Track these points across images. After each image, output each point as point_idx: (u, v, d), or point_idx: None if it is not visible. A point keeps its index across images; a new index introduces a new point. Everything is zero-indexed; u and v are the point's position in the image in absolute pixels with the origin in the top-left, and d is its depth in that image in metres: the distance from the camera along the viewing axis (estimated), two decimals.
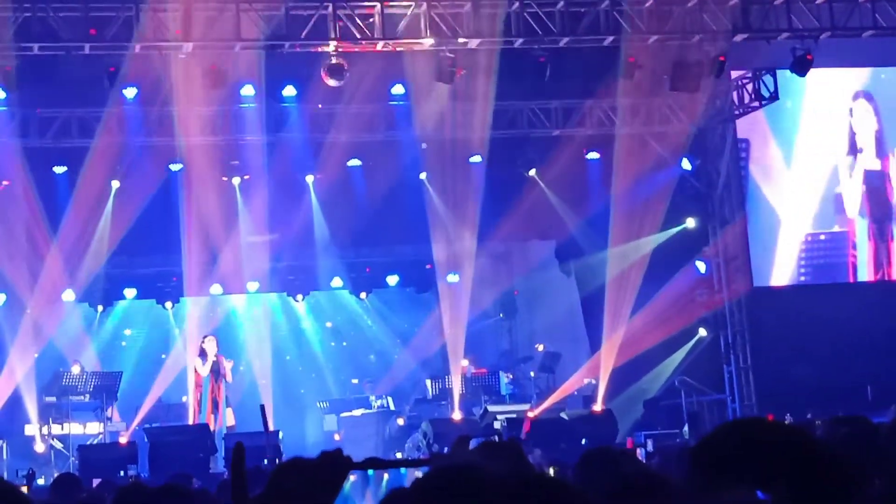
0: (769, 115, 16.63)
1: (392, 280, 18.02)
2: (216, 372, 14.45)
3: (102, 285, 16.54)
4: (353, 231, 16.48)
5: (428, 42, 13.69)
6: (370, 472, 1.40)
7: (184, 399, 15.49)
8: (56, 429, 14.68)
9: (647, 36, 14.03)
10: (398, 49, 14.02)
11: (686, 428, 14.32)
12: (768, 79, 15.68)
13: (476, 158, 16.40)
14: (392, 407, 16.71)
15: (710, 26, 14.08)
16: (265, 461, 10.53)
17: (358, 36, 13.52)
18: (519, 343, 18.34)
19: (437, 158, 16.20)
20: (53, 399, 14.89)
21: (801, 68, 14.64)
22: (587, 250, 16.50)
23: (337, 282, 17.85)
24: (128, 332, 18.74)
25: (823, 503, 1.15)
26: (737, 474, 1.68)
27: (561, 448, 12.25)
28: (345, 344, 19.70)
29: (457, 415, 15.16)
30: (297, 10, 13.31)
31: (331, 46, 13.51)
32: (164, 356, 17.48)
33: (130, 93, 14.71)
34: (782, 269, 16.89)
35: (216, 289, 17.19)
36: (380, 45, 13.72)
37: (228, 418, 14.50)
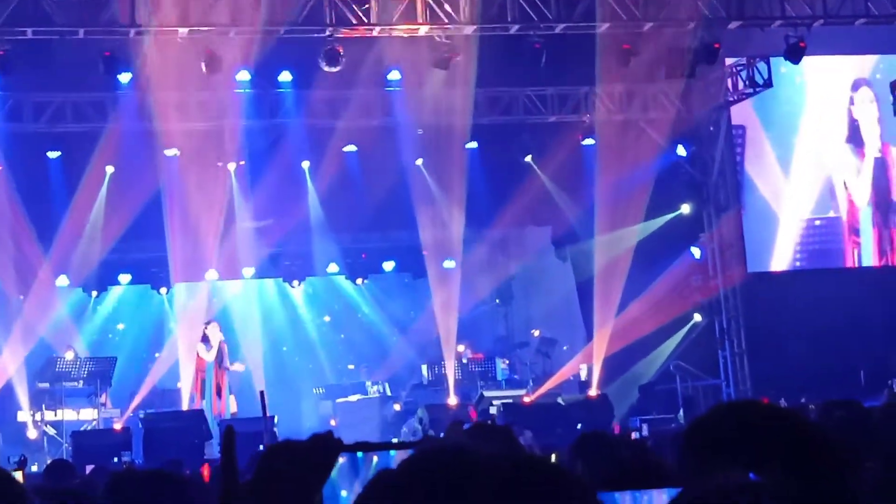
0: (762, 102, 16.64)
1: (388, 266, 18.03)
2: (220, 358, 14.43)
3: (96, 270, 16.47)
4: (350, 217, 16.47)
5: (424, 28, 13.66)
6: (359, 455, 1.41)
7: (178, 385, 15.47)
8: (49, 415, 14.65)
9: (642, 23, 14.04)
10: (394, 35, 13.98)
11: (681, 413, 14.37)
12: (762, 66, 15.75)
13: (472, 145, 16.39)
14: (388, 392, 16.73)
15: (704, 13, 14.09)
16: (261, 447, 10.56)
17: (354, 21, 13.49)
18: (515, 329, 18.38)
19: (432, 145, 16.18)
20: (46, 385, 14.84)
21: (794, 56, 14.75)
22: (583, 236, 16.52)
23: (333, 268, 17.85)
24: (120, 326, 18.68)
25: (817, 486, 1.15)
26: (730, 456, 1.68)
27: (557, 433, 12.28)
28: (342, 336, 19.70)
29: (452, 400, 15.19)
30: None
31: (327, 32, 13.47)
32: (158, 342, 17.47)
33: (125, 78, 14.65)
34: (778, 255, 16.94)
35: (211, 274, 17.15)
36: (376, 31, 13.69)
37: (231, 405, 14.49)
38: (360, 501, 1.11)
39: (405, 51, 14.76)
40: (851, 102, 17.26)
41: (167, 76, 14.57)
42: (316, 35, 13.65)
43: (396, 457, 1.23)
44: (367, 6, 13.49)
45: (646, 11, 14.00)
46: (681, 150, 16.86)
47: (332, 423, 16.37)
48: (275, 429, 12.46)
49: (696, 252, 17.07)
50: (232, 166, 16.37)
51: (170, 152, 15.60)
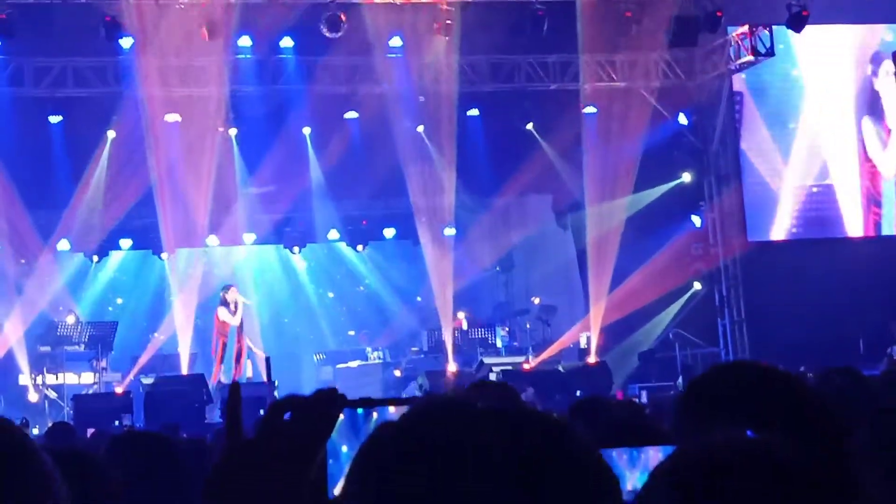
0: (759, 72, 16.58)
1: (389, 233, 18.03)
2: (241, 322, 14.42)
3: (98, 235, 16.47)
4: (350, 184, 16.44)
5: None
6: (360, 411, 1.42)
7: (178, 350, 15.53)
8: (50, 378, 14.71)
9: None
10: (396, 1, 13.90)
11: (680, 380, 14.43)
12: (765, 34, 15.64)
13: (474, 112, 16.35)
14: (388, 359, 16.79)
15: None
16: (261, 412, 10.59)
17: None
18: (515, 296, 18.40)
19: (434, 112, 16.14)
20: (48, 349, 14.88)
21: (796, 24, 14.69)
22: (583, 204, 16.53)
23: (334, 234, 17.85)
24: (119, 300, 18.66)
25: (814, 446, 1.16)
26: (728, 415, 1.70)
27: (556, 399, 12.35)
28: (343, 304, 19.70)
29: (451, 367, 15.24)
30: None
31: None
32: (159, 307, 17.48)
33: (126, 43, 14.60)
34: (778, 224, 16.96)
35: (212, 240, 17.16)
36: None
37: (247, 370, 14.50)
38: (362, 452, 1.12)
39: (407, 17, 14.68)
40: (874, 74, 17.21)
41: (168, 41, 14.52)
42: (318, 1, 13.56)
43: (397, 413, 1.24)
44: None
45: None
46: (682, 119, 16.86)
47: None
48: (276, 393, 12.51)
49: (696, 220, 17.11)
50: (233, 132, 16.33)
51: (171, 118, 15.56)
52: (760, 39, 15.69)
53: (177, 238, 16.06)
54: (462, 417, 1.07)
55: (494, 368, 14.39)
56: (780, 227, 16.95)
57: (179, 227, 15.99)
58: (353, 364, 16.72)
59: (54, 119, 15.36)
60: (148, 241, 17.12)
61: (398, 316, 18.68)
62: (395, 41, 15.38)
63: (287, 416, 1.27)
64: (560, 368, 14.73)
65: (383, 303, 19.30)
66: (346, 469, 1.24)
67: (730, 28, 15.89)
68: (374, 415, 1.32)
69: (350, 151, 16.23)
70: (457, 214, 17.36)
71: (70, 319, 15.53)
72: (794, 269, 15.96)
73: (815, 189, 17.02)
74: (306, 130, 16.55)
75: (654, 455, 1.71)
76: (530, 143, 16.49)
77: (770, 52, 15.74)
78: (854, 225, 17.15)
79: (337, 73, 15.61)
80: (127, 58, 14.85)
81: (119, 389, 14.09)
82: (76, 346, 14.85)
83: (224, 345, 14.16)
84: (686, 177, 17.07)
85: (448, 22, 14.04)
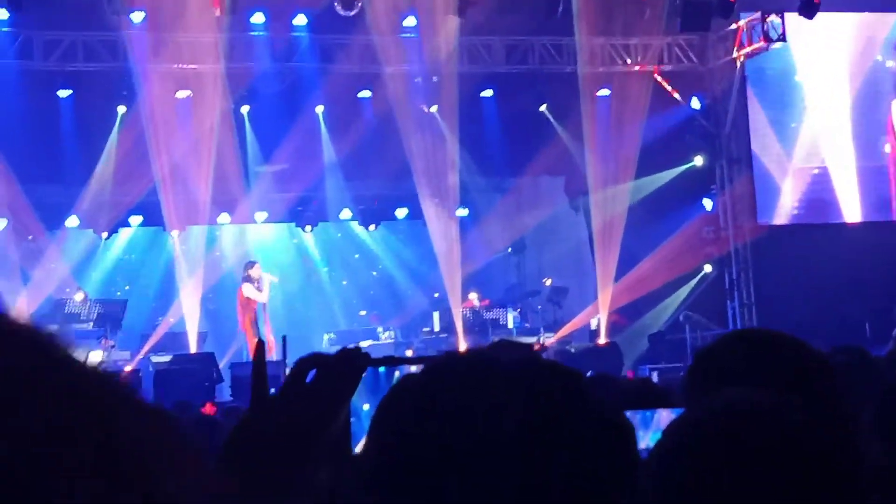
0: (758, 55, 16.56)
1: (401, 213, 18.02)
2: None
3: (107, 212, 16.36)
4: (363, 163, 16.42)
5: None
6: (382, 370, 1.44)
7: (186, 329, 15.56)
8: None
9: None
10: None
11: (690, 361, 14.50)
12: (776, 21, 15.66)
13: (487, 93, 16.33)
14: (399, 339, 16.83)
15: None
16: (273, 391, 10.61)
17: None
18: (527, 277, 18.40)
19: (448, 92, 16.11)
20: (56, 327, 14.81)
21: (808, 11, 14.74)
22: (594, 187, 16.52)
23: (346, 213, 17.83)
24: (126, 286, 18.60)
25: (820, 409, 1.19)
26: (735, 380, 1.72)
27: None
28: (355, 283, 19.69)
29: (462, 347, 15.27)
30: None
31: None
32: (169, 285, 17.46)
33: (138, 17, 14.55)
34: (781, 207, 16.99)
35: (223, 218, 17.17)
36: None
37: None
38: (384, 404, 1.15)
39: None
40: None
41: (180, 16, 14.46)
42: None
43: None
44: None
45: None
46: (695, 103, 16.91)
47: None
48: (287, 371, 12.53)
49: (707, 204, 17.17)
50: (245, 109, 16.29)
51: (182, 94, 15.51)
52: (772, 26, 15.71)
53: (183, 215, 15.95)
54: (483, 371, 1.09)
55: None
56: (783, 211, 16.97)
57: (189, 204, 15.92)
58: (364, 344, 16.73)
59: (63, 93, 15.19)
60: (158, 217, 17.09)
61: (410, 296, 18.70)
62: (410, 21, 15.34)
63: (311, 374, 1.31)
64: (571, 349, 14.76)
65: (395, 283, 19.31)
66: (367, 426, 1.27)
67: (742, 14, 15.96)
68: (396, 374, 1.35)
69: (363, 131, 16.20)
70: (470, 196, 17.37)
71: (78, 297, 15.34)
72: (802, 253, 16.02)
73: (815, 171, 17.01)
74: (319, 109, 16.51)
75: (665, 416, 1.75)
76: (544, 126, 16.48)
77: (781, 39, 15.78)
78: (850, 208, 17.08)
79: (351, 52, 15.56)
80: (138, 32, 14.74)
81: (128, 368, 14.06)
82: (84, 325, 14.61)
83: (252, 321, 13.95)
84: (698, 160, 17.14)
85: (463, 2, 14.00)
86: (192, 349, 14.78)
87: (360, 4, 13.73)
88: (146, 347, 15.18)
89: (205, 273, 16.66)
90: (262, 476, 1.24)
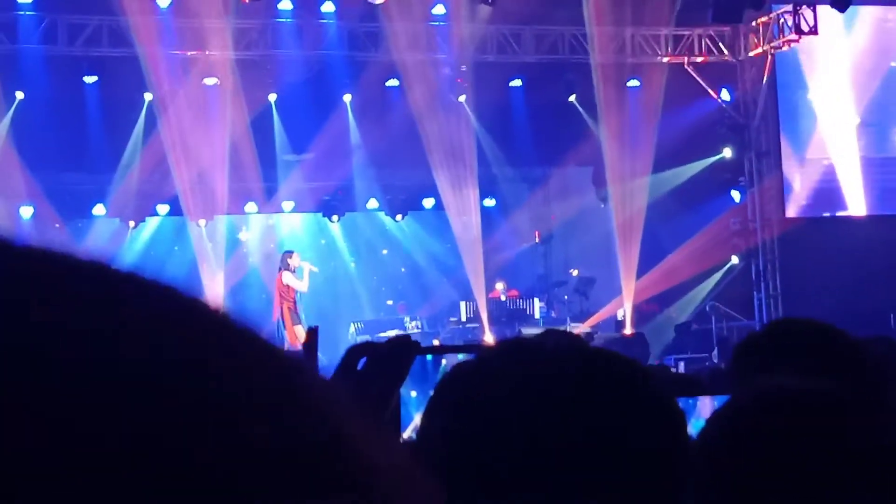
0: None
1: (428, 203, 17.99)
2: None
3: (134, 200, 16.28)
4: (390, 152, 16.37)
5: None
6: (429, 358, 1.45)
7: None
8: None
9: None
10: None
11: (716, 352, 14.47)
12: (808, 13, 15.56)
13: (516, 82, 16.28)
14: (426, 329, 16.83)
15: None
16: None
17: None
18: (554, 268, 18.37)
19: (476, 81, 16.07)
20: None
21: (841, 4, 14.61)
22: (621, 177, 16.48)
23: (373, 203, 17.79)
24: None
25: (865, 399, 1.20)
26: (781, 368, 1.73)
27: None
28: (382, 278, 19.67)
29: (488, 337, 15.28)
30: None
31: None
32: (196, 274, 17.47)
33: (164, 2, 14.50)
34: (793, 200, 16.91)
35: (251, 206, 17.21)
36: None
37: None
38: (440, 389, 1.16)
39: None
40: None
41: (207, 2, 14.40)
42: None
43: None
44: None
45: None
46: (725, 95, 16.87)
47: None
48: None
49: (735, 196, 17.14)
50: (273, 98, 16.25)
51: (209, 81, 15.44)
52: (804, 18, 15.59)
53: (210, 204, 15.91)
54: (536, 356, 1.11)
55: None
56: (795, 204, 16.92)
57: (216, 194, 15.90)
58: (391, 334, 16.74)
59: (89, 79, 15.05)
60: (187, 206, 17.10)
61: (437, 286, 18.68)
62: (439, 9, 15.31)
63: (362, 361, 1.33)
64: (596, 339, 14.75)
65: (422, 273, 19.29)
66: (414, 413, 1.29)
67: (774, 6, 15.85)
68: (444, 362, 1.37)
69: (391, 120, 16.16)
70: (498, 186, 17.34)
71: None
72: (829, 245, 15.96)
73: (825, 162, 16.88)
74: (347, 98, 16.47)
75: (708, 403, 1.77)
76: (573, 116, 16.43)
77: (813, 31, 15.63)
78: (854, 201, 16.87)
79: (378, 40, 15.51)
80: (164, 18, 14.64)
81: None
82: None
83: (290, 310, 13.87)
84: (727, 152, 17.09)
85: None
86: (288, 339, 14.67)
87: None
88: None
89: (232, 263, 16.72)
90: None
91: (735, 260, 16.96)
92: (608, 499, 1.05)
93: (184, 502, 0.38)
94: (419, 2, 15.02)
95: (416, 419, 1.28)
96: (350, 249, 19.56)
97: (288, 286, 13.92)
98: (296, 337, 13.51)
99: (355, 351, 1.35)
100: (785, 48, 16.25)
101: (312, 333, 1.41)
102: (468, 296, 16.45)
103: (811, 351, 1.80)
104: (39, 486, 0.36)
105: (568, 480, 1.05)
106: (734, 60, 16.71)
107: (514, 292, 16.69)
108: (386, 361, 1.33)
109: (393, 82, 16.04)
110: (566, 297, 16.62)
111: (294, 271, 14.15)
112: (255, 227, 18.94)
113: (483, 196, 17.44)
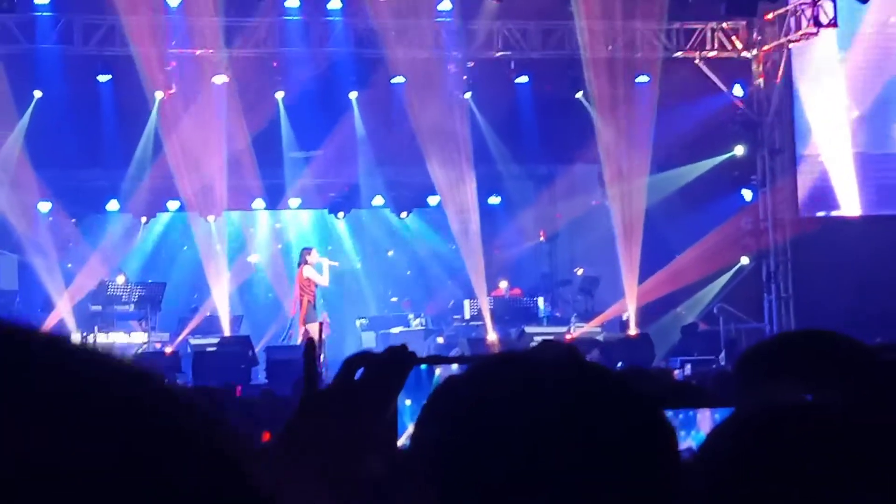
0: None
1: (433, 200, 18.01)
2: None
3: (146, 196, 16.59)
4: (396, 149, 16.42)
5: None
6: (423, 367, 1.46)
7: (217, 313, 15.76)
8: (101, 337, 14.95)
9: None
10: None
11: (723, 354, 14.35)
12: (828, 4, 15.09)
13: (523, 79, 16.25)
14: (430, 326, 16.85)
15: None
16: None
17: None
18: (559, 266, 18.36)
19: (483, 78, 16.06)
20: (99, 308, 15.12)
21: None
22: (630, 175, 16.40)
23: (378, 200, 17.85)
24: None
25: (876, 411, 1.18)
26: (788, 377, 1.71)
27: None
28: (387, 275, 19.70)
29: (491, 335, 15.27)
30: None
31: None
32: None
33: (175, 1, 14.63)
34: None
35: (258, 203, 17.31)
36: None
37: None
38: (432, 400, 1.17)
39: None
40: None
41: (216, 1, 14.54)
42: None
43: (461, 370, 1.30)
44: None
45: None
46: (738, 91, 16.55)
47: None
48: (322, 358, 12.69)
49: (747, 195, 16.87)
50: (280, 95, 16.34)
51: (218, 79, 15.58)
52: (823, 10, 15.12)
53: (218, 200, 16.08)
54: (528, 370, 1.11)
55: (536, 338, 14.38)
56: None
57: (223, 190, 16.06)
58: (395, 330, 16.81)
59: (103, 78, 15.36)
60: (196, 202, 17.23)
61: (442, 284, 18.71)
62: (445, 4, 15.30)
63: (360, 371, 1.33)
64: (600, 339, 14.72)
65: (427, 270, 19.32)
66: (408, 422, 1.29)
67: None
68: (437, 371, 1.37)
69: (396, 117, 16.20)
70: (503, 184, 17.33)
71: (120, 279, 15.74)
72: (843, 246, 15.72)
73: (819, 159, 16.66)
74: (353, 95, 16.51)
75: (707, 416, 1.75)
76: (580, 113, 16.38)
77: (833, 24, 15.12)
78: (848, 200, 16.63)
79: (385, 37, 15.52)
80: (175, 17, 14.85)
81: (168, 350, 14.32)
82: (126, 306, 15.08)
83: (310, 303, 13.84)
84: (738, 150, 16.75)
85: None
86: (226, 332, 14.97)
87: None
88: (187, 330, 15.40)
89: (239, 263, 16.89)
90: (313, 469, 1.26)
91: (745, 260, 16.68)
92: None
93: None
94: None
95: (410, 428, 1.27)
96: (356, 248, 19.60)
97: (309, 280, 14.00)
98: (307, 332, 13.61)
99: (352, 361, 1.34)
100: (802, 42, 15.84)
101: (310, 344, 1.40)
102: (473, 293, 16.48)
103: (820, 362, 1.77)
104: None
105: (555, 493, 1.05)
106: (748, 55, 16.38)
107: (517, 291, 16.67)
108: (383, 371, 1.32)
109: (399, 79, 16.05)
110: (571, 298, 16.59)
111: (314, 266, 14.23)
112: (262, 228, 19.12)
113: (488, 194, 17.45)
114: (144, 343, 14.81)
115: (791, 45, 16.09)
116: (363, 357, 1.32)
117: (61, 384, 0.47)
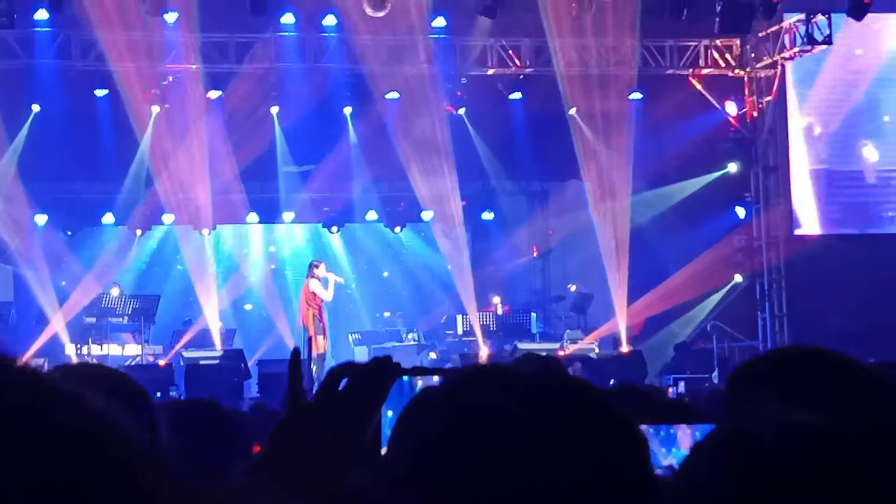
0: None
1: (427, 215, 18.03)
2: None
3: (141, 209, 16.65)
4: (390, 164, 16.46)
5: None
6: (406, 379, 1.46)
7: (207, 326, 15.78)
8: (95, 349, 14.94)
9: None
10: None
11: (716, 373, 14.34)
12: (822, 22, 15.07)
13: (516, 95, 16.30)
14: (423, 341, 16.84)
15: None
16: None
17: None
18: (552, 283, 18.36)
19: (476, 94, 16.10)
20: (93, 320, 15.12)
21: (857, 12, 14.17)
22: (624, 192, 16.42)
23: (372, 215, 17.85)
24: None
25: (866, 427, 1.18)
26: (777, 394, 1.70)
27: None
28: (380, 284, 19.73)
29: (483, 351, 15.25)
30: None
31: None
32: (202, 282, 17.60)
33: (171, 17, 14.70)
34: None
35: (252, 217, 17.33)
36: None
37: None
38: (406, 413, 1.17)
39: None
40: None
41: (212, 17, 14.62)
42: None
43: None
44: None
45: None
46: (731, 108, 16.58)
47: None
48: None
49: (740, 212, 16.88)
50: (275, 110, 16.41)
51: (214, 94, 15.66)
52: (818, 27, 15.09)
53: (213, 214, 16.19)
54: (503, 383, 1.11)
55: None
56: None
57: (218, 204, 16.15)
58: (388, 345, 16.79)
59: (100, 92, 15.46)
60: (190, 216, 17.28)
61: (436, 299, 18.71)
62: (439, 21, 15.36)
63: (344, 382, 1.33)
64: (592, 356, 14.71)
65: (421, 286, 19.32)
66: (388, 432, 1.29)
67: (786, 14, 15.37)
68: (419, 382, 1.38)
69: (390, 132, 16.24)
70: (497, 199, 17.34)
71: (114, 292, 15.73)
72: (836, 264, 15.71)
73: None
74: (347, 110, 16.55)
75: (686, 432, 1.75)
76: (572, 129, 16.40)
77: (828, 41, 15.10)
78: (808, 220, 16.64)
79: (379, 53, 15.59)
80: (171, 32, 14.94)
81: (162, 362, 14.31)
82: (120, 319, 15.10)
83: (315, 316, 13.85)
84: (732, 167, 16.73)
85: (494, 4, 14.00)
86: (217, 346, 14.98)
87: (389, 5, 13.75)
88: (181, 343, 15.39)
89: (235, 274, 16.90)
90: (298, 480, 1.27)
91: (739, 278, 16.66)
92: None
93: None
94: (420, 14, 15.07)
95: None
96: (350, 265, 19.60)
97: (314, 293, 14.01)
98: (318, 346, 13.63)
99: (336, 373, 1.34)
100: (796, 59, 15.87)
101: (296, 356, 1.40)
102: (463, 309, 16.54)
103: (810, 379, 1.75)
104: None
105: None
106: (742, 72, 16.42)
107: (507, 308, 16.64)
108: (367, 381, 1.33)
109: (393, 95, 16.09)
110: (564, 315, 16.58)
111: (320, 280, 14.24)
112: (255, 250, 19.24)
113: (482, 210, 17.48)
114: (138, 355, 14.82)
115: (784, 63, 16.16)
116: (347, 367, 1.33)
117: None
